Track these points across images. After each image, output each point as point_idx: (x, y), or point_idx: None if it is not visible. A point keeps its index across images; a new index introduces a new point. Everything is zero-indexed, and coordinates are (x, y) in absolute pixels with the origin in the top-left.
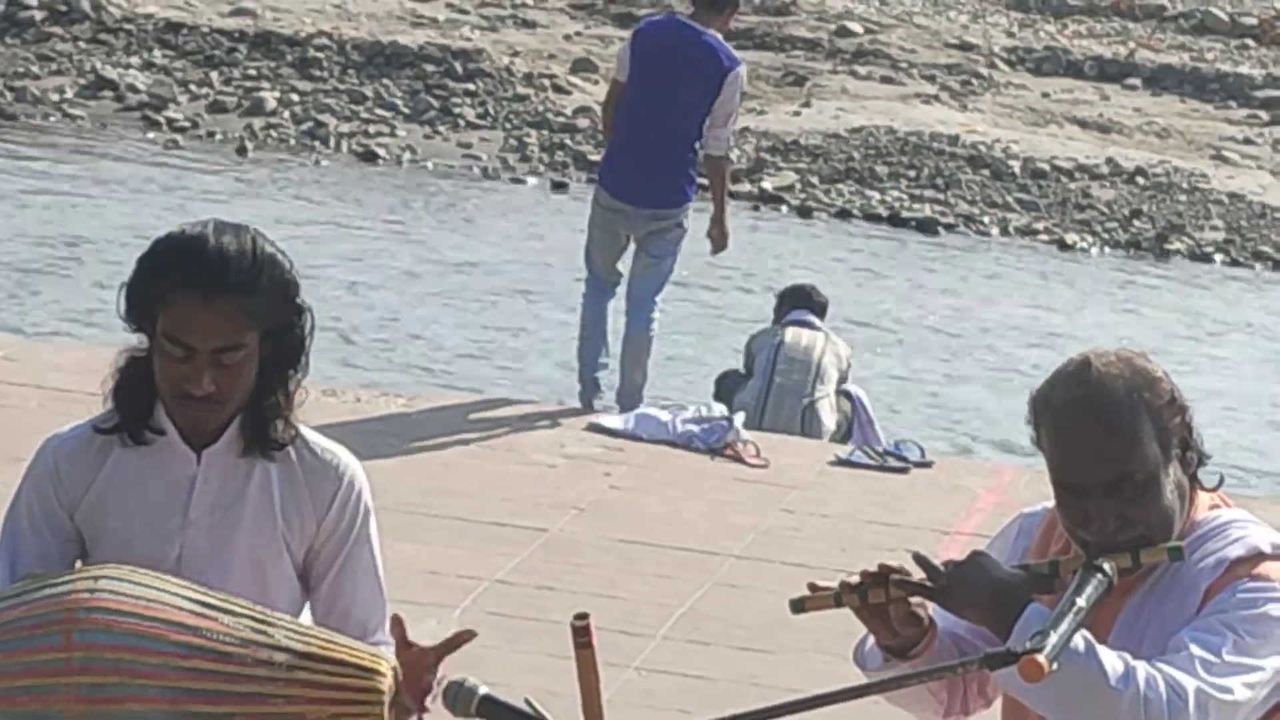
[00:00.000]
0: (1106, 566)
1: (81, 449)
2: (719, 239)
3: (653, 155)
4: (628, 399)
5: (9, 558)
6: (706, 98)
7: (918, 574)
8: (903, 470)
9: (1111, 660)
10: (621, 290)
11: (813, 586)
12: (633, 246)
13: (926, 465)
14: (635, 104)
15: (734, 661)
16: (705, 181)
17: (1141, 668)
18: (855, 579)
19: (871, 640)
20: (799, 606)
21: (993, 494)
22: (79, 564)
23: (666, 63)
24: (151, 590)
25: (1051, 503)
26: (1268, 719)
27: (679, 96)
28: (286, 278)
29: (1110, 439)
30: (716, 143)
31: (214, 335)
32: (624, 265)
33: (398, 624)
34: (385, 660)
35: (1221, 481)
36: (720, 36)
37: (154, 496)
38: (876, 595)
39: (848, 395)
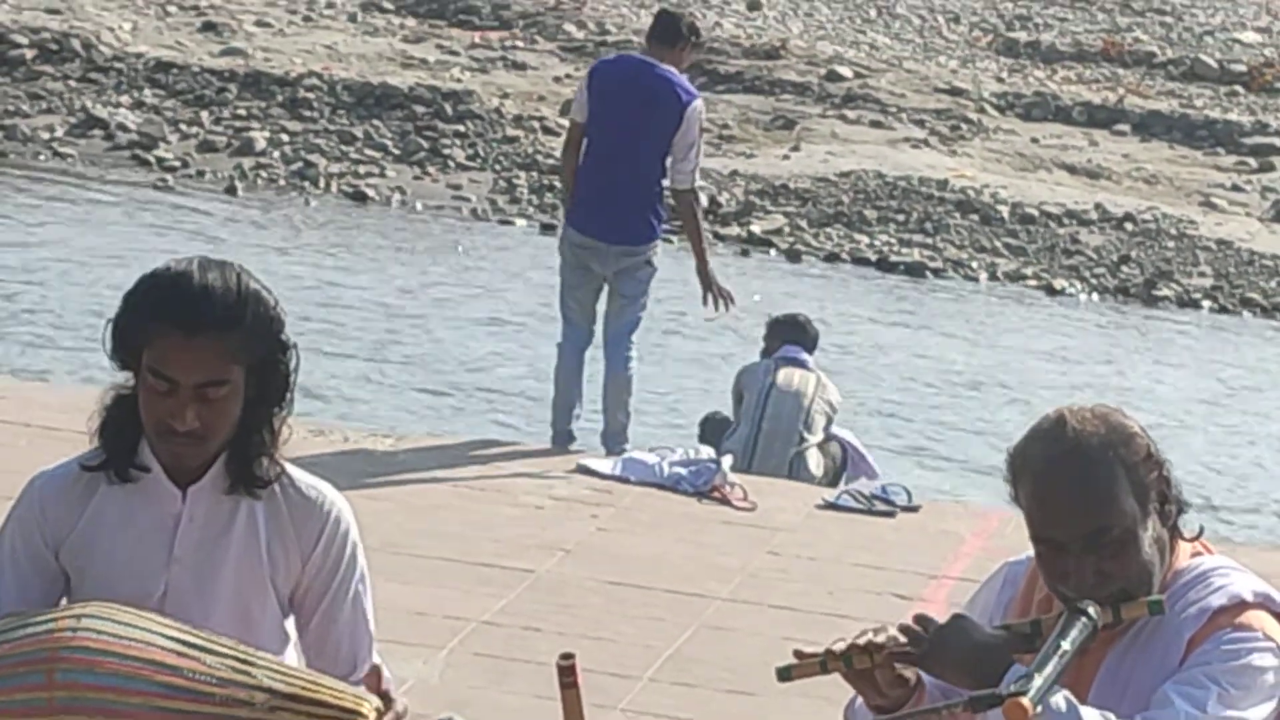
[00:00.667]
0: (1091, 610)
1: (68, 487)
2: (716, 291)
3: (619, 192)
4: (613, 440)
5: None
6: (667, 132)
7: (902, 639)
8: (889, 514)
9: (1093, 718)
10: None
11: (799, 654)
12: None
13: (914, 509)
14: (597, 141)
15: (720, 703)
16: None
17: None
18: (840, 646)
19: (860, 701)
20: (785, 675)
21: (979, 538)
22: (63, 602)
23: (625, 99)
24: (134, 629)
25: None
26: None
27: (640, 131)
28: (271, 314)
29: (1087, 496)
30: (681, 176)
31: (197, 370)
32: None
33: (374, 674)
34: (368, 702)
35: (1201, 531)
36: (675, 71)
37: (139, 534)
38: (862, 661)
39: (837, 440)
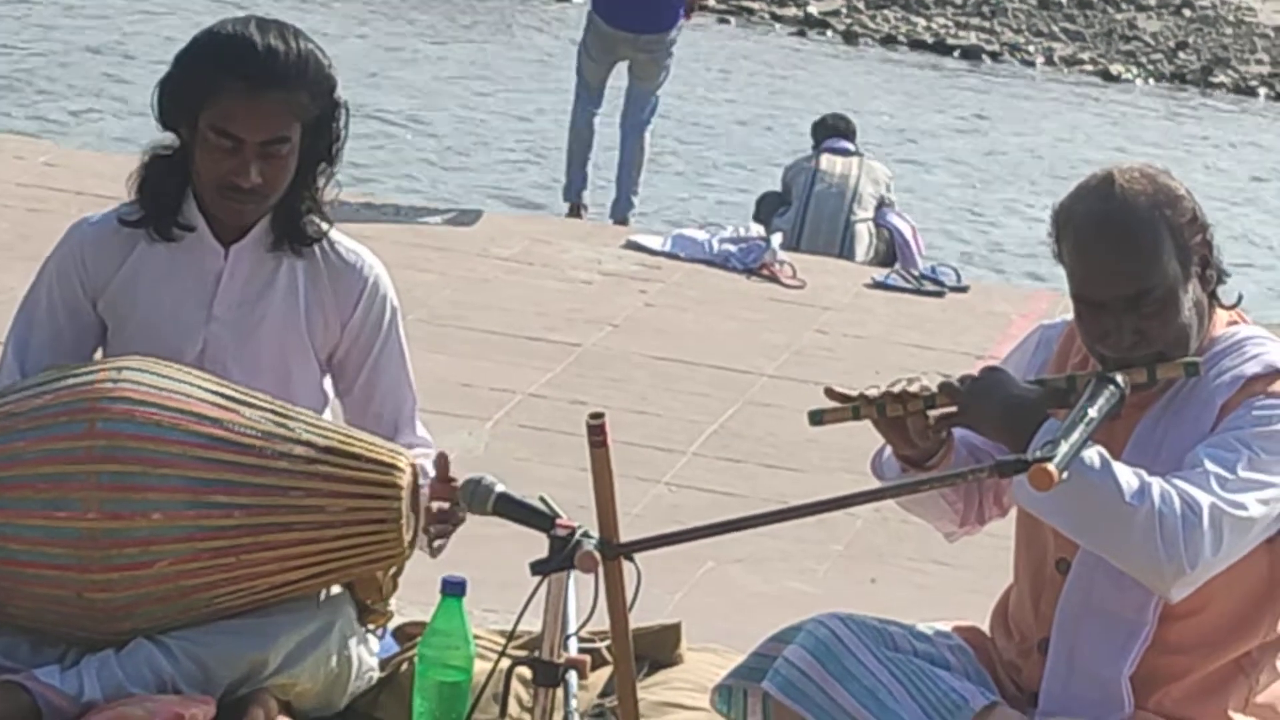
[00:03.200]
0: (1119, 379)
1: (108, 236)
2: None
3: None
4: (620, 210)
5: (18, 343)
6: None
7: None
8: (938, 294)
9: (1126, 476)
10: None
11: (831, 394)
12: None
13: (962, 290)
14: None
15: (763, 479)
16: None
17: (1156, 483)
18: (874, 392)
19: (889, 450)
20: (817, 418)
21: (1027, 319)
22: (97, 355)
23: None
24: (174, 382)
25: (1072, 316)
26: (1279, 536)
27: None
28: (327, 72)
29: (1131, 254)
30: None
31: (263, 128)
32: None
33: (443, 461)
34: (404, 456)
35: (1240, 299)
36: None
37: (179, 290)
38: (894, 409)
39: (887, 227)
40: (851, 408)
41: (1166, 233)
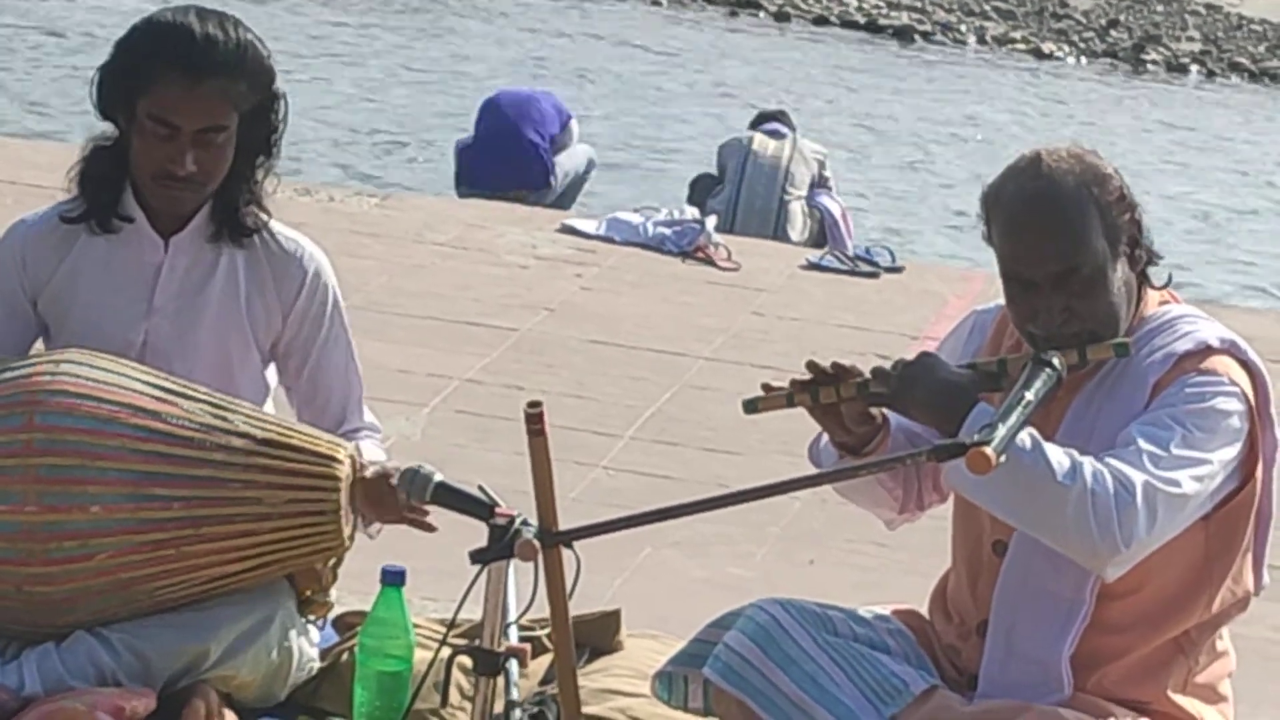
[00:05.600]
0: (1055, 360)
1: (46, 235)
2: None
3: None
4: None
5: None
6: None
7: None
8: (873, 275)
9: (1058, 456)
10: None
11: (766, 387)
12: None
13: (897, 270)
14: None
15: (700, 462)
16: None
17: (1089, 463)
18: (806, 377)
19: (826, 438)
20: (752, 407)
21: (963, 300)
22: (41, 346)
23: None
24: (112, 375)
25: (1004, 300)
26: (1215, 513)
27: None
28: (266, 63)
29: (1059, 233)
30: None
31: (200, 116)
32: None
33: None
34: (343, 448)
35: (1170, 280)
36: None
37: (119, 283)
38: (828, 395)
39: (818, 207)
40: (785, 395)
41: (1094, 211)
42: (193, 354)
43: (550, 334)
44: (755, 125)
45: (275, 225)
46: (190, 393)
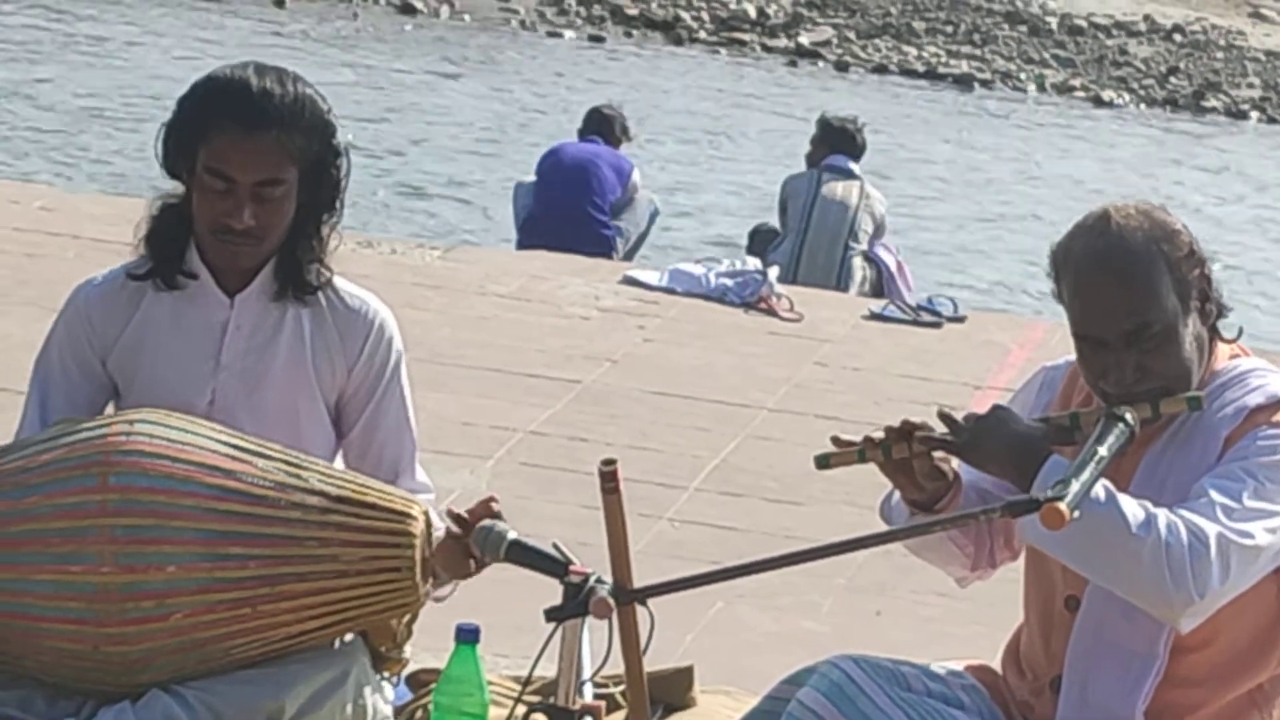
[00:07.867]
0: (1128, 415)
1: (114, 294)
2: None
3: None
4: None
5: (39, 402)
6: None
7: (941, 429)
8: (936, 325)
9: (1132, 508)
10: None
11: (836, 440)
12: None
13: (959, 320)
14: None
15: (765, 513)
16: None
17: (1163, 514)
18: (879, 435)
19: (897, 495)
20: (824, 462)
21: (1024, 349)
22: (111, 409)
23: None
24: (186, 434)
25: (1074, 356)
26: None
27: None
28: (326, 118)
29: (1129, 290)
30: None
31: (255, 168)
32: None
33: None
34: (417, 505)
35: (1241, 333)
36: None
37: (187, 341)
38: (900, 450)
39: (874, 259)
40: (857, 451)
41: (1164, 267)
42: (260, 411)
43: (613, 385)
44: (822, 140)
45: (339, 282)
46: (265, 451)
